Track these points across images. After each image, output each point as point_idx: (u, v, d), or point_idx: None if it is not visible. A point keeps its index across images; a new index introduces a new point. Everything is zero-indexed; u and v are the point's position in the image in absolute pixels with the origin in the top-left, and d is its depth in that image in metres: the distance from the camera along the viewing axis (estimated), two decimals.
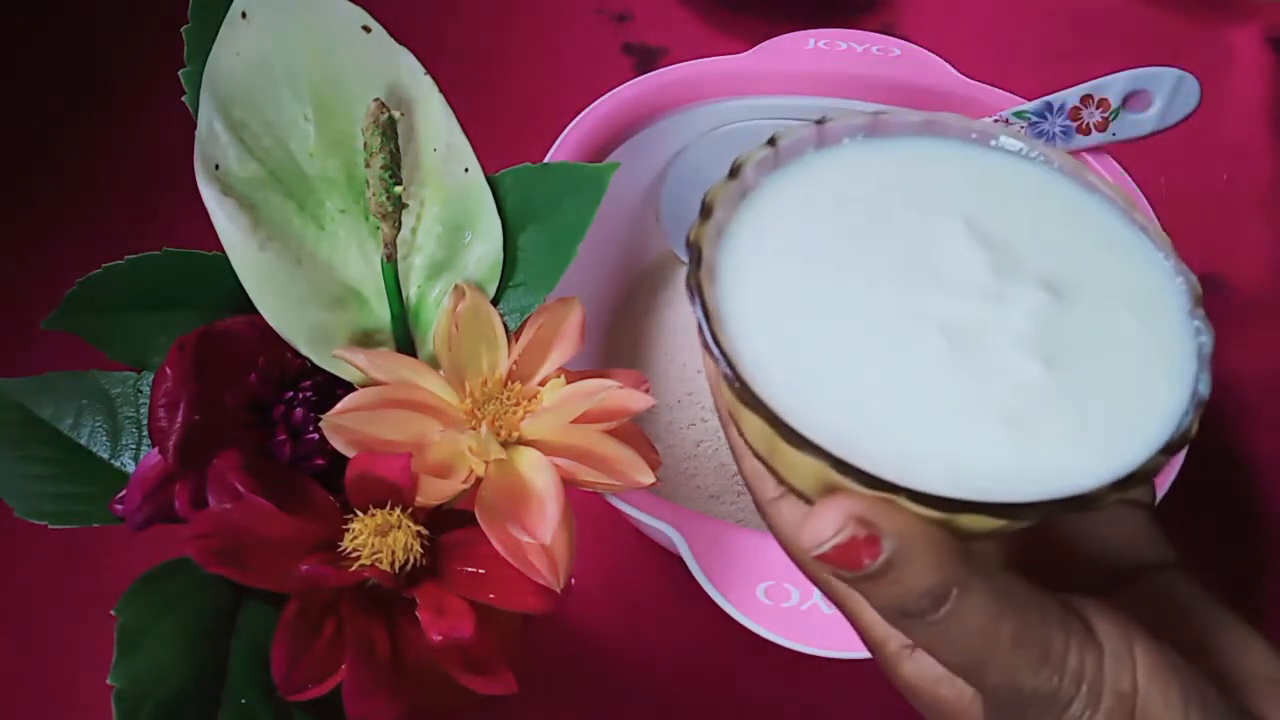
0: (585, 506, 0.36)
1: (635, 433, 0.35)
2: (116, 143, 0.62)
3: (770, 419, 0.22)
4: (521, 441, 0.34)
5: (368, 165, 0.34)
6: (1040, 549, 0.27)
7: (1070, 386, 0.23)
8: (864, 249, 0.25)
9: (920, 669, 0.26)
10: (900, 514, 0.22)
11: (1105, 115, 0.49)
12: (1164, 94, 0.48)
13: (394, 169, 0.35)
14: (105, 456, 0.36)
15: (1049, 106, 0.49)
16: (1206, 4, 0.71)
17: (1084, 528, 0.28)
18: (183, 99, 0.36)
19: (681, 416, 0.51)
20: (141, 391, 0.36)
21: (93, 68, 0.66)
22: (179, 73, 0.36)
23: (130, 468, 0.36)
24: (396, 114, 0.35)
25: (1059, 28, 0.67)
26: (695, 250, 0.24)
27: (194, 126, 0.35)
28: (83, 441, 0.36)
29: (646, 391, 0.34)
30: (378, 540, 0.32)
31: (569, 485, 0.33)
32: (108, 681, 0.30)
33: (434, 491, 0.32)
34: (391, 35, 0.37)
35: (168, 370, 0.33)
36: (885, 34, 0.54)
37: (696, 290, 0.23)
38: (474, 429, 0.33)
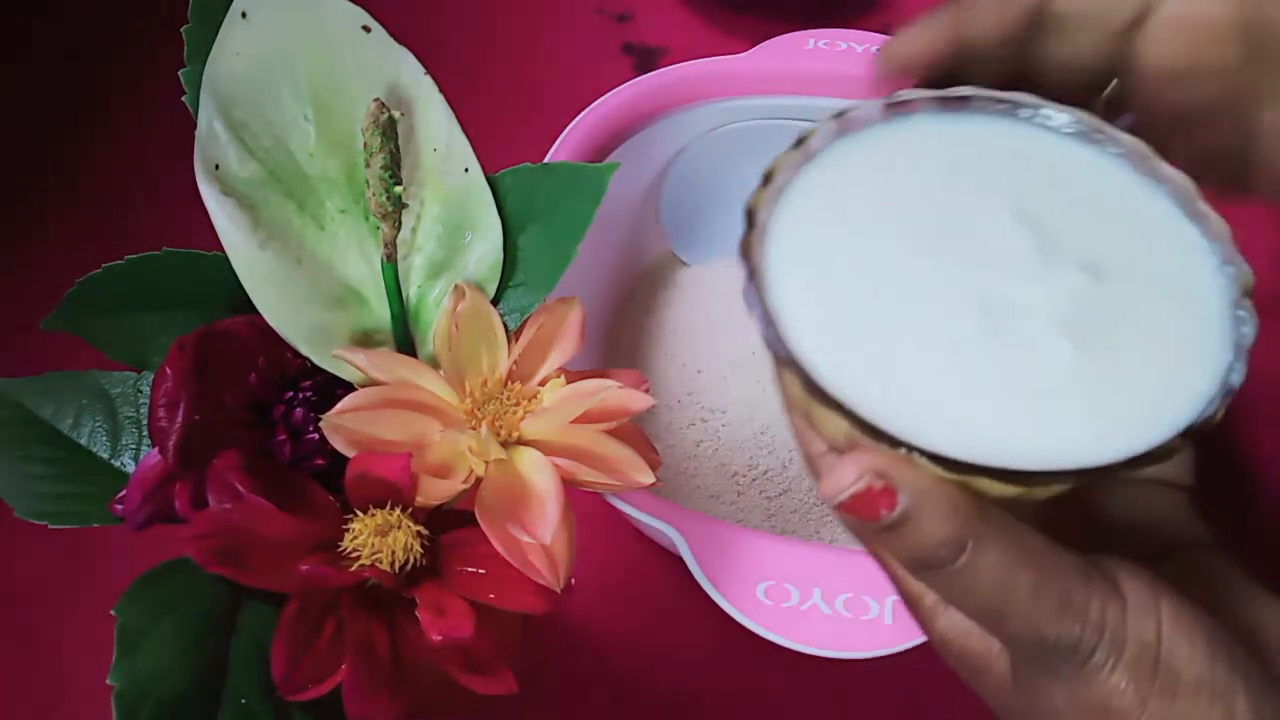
0: (585, 506, 0.36)
1: (635, 433, 0.35)
2: (116, 143, 0.62)
3: (802, 377, 0.23)
4: (521, 441, 0.34)
5: (368, 165, 0.34)
6: (1078, 525, 0.28)
7: (1097, 367, 0.23)
8: (912, 222, 0.25)
9: (952, 623, 0.27)
10: (918, 471, 0.23)
11: None
12: None
13: (394, 169, 0.35)
14: (105, 456, 0.36)
15: None
16: None
17: (1122, 506, 0.28)
18: (183, 99, 0.36)
19: (681, 416, 0.51)
20: (141, 391, 0.36)
21: (93, 68, 0.66)
22: (179, 73, 0.36)
23: (130, 468, 0.36)
24: (396, 114, 0.35)
25: None
26: (750, 214, 0.25)
27: (194, 126, 0.35)
28: (83, 441, 0.36)
29: (646, 391, 0.34)
30: (378, 540, 0.32)
31: (569, 485, 0.33)
32: (108, 681, 0.30)
33: (434, 491, 0.32)
34: (391, 35, 0.37)
35: (168, 370, 0.33)
36: (885, 34, 0.54)
37: (746, 252, 0.24)
38: (474, 429, 0.33)
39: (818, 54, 0.53)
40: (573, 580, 0.32)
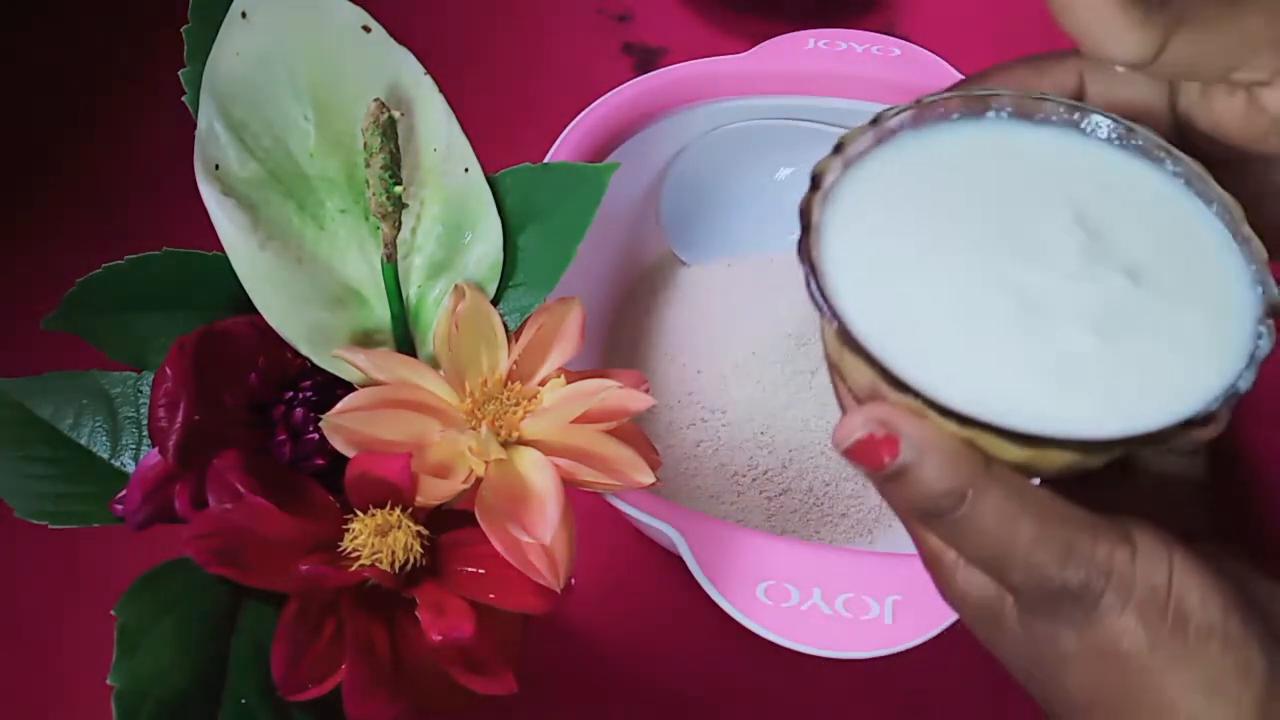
0: (585, 506, 0.36)
1: (635, 433, 0.35)
2: (116, 143, 0.62)
3: (837, 326, 0.25)
4: (521, 441, 0.34)
5: (368, 165, 0.34)
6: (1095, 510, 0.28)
7: (1117, 359, 0.25)
8: (960, 219, 0.27)
9: (968, 579, 0.27)
10: (923, 423, 0.24)
11: None
12: None
13: (394, 169, 0.35)
14: (105, 456, 0.36)
15: None
16: None
17: (1135, 493, 0.28)
18: (183, 99, 0.36)
19: (681, 416, 0.51)
20: (141, 391, 0.36)
21: (93, 68, 0.66)
22: (179, 73, 0.36)
23: (130, 468, 0.36)
24: (396, 114, 0.35)
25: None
26: (816, 177, 0.27)
27: (194, 126, 0.35)
28: (83, 441, 0.36)
29: (646, 391, 0.34)
30: (378, 540, 0.32)
31: (569, 485, 0.33)
32: (108, 681, 0.30)
33: (434, 491, 0.32)
34: (391, 35, 0.37)
35: (168, 370, 0.33)
36: (885, 34, 0.54)
37: (806, 210, 0.26)
38: (474, 429, 0.33)
39: (818, 54, 0.53)
40: (573, 580, 0.32)
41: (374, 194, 0.35)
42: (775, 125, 0.53)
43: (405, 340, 0.37)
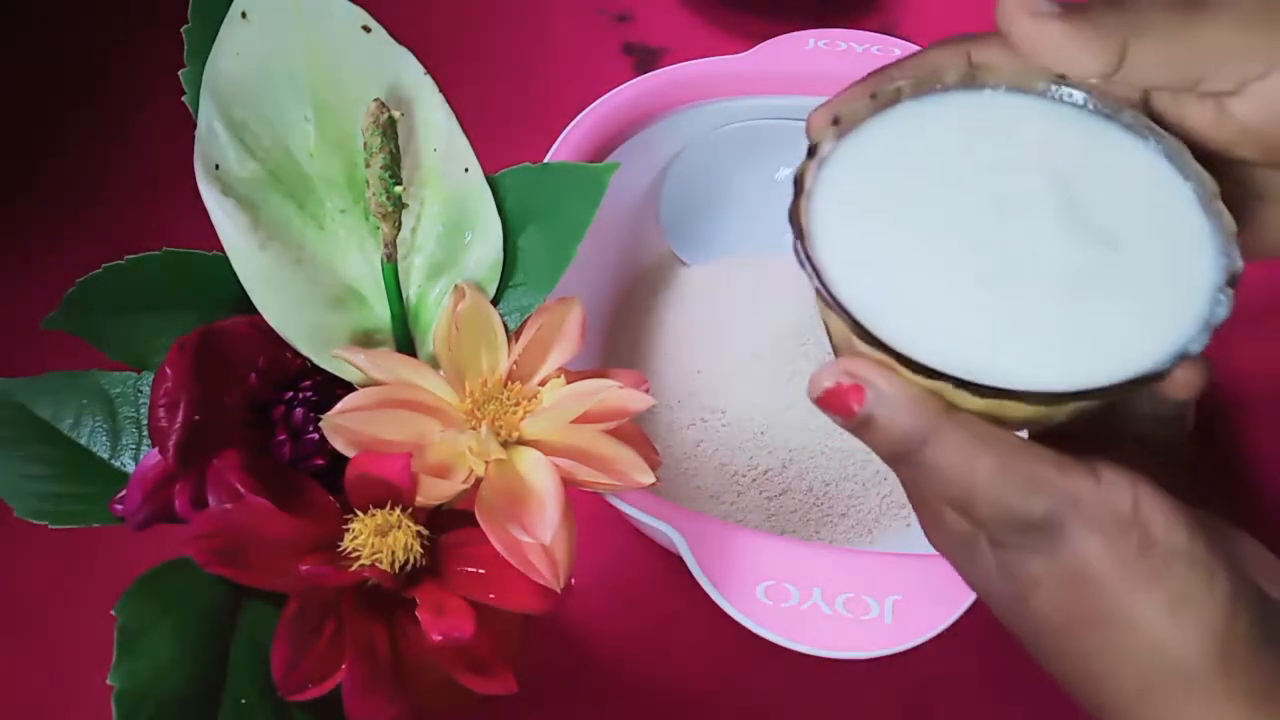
0: (585, 506, 0.36)
1: (635, 433, 0.35)
2: (116, 143, 0.62)
3: (815, 283, 0.26)
4: (521, 441, 0.34)
5: (368, 165, 0.34)
6: None
7: (1081, 319, 0.26)
8: (944, 185, 0.28)
9: (947, 518, 0.29)
10: (888, 373, 0.26)
11: None
12: None
13: (394, 169, 0.35)
14: (105, 456, 0.36)
15: None
16: None
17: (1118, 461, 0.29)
18: (183, 99, 0.36)
19: (681, 416, 0.51)
20: (141, 391, 0.36)
21: (93, 68, 0.66)
22: (179, 73, 0.36)
23: (130, 468, 0.36)
24: (396, 114, 0.35)
25: None
26: (798, 181, 0.28)
27: (194, 126, 0.35)
28: (83, 441, 0.36)
29: (646, 391, 0.34)
30: (378, 540, 0.32)
31: (569, 485, 0.33)
32: (108, 681, 0.30)
33: (434, 491, 0.32)
34: (391, 35, 0.37)
35: (168, 370, 0.33)
36: (885, 34, 0.54)
37: (799, 179, 0.28)
38: (474, 429, 0.33)
39: (818, 54, 0.53)
40: (573, 580, 0.32)
41: (374, 194, 0.35)
42: (775, 125, 0.53)
43: (405, 340, 0.37)
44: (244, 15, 0.36)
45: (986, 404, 0.26)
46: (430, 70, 0.37)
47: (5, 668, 0.47)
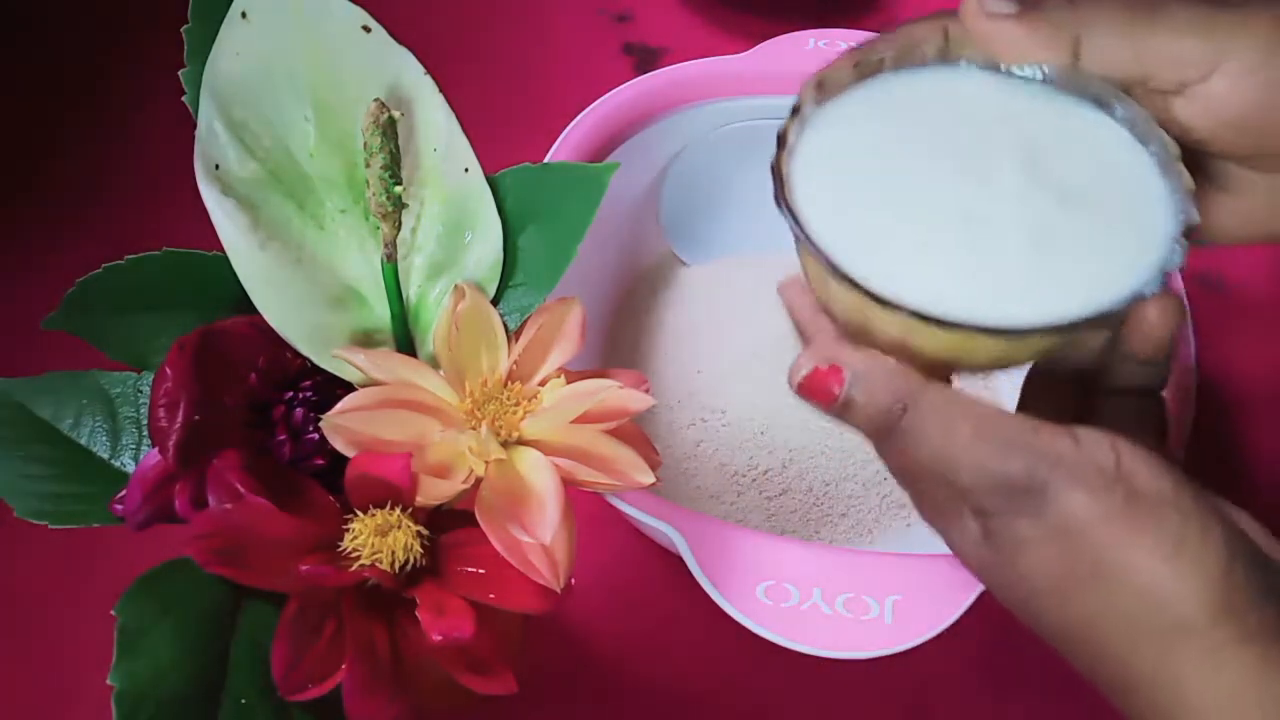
0: (585, 506, 0.36)
1: (635, 433, 0.35)
2: (116, 143, 0.62)
3: (791, 225, 0.28)
4: (521, 441, 0.34)
5: (368, 165, 0.35)
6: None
7: (1039, 264, 0.28)
8: (919, 146, 0.30)
9: (938, 492, 0.29)
10: (864, 353, 0.28)
11: None
12: None
13: (394, 169, 0.35)
14: (105, 456, 0.36)
15: None
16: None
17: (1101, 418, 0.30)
18: (183, 99, 0.36)
19: (681, 416, 0.51)
20: (141, 391, 0.36)
21: (93, 68, 0.66)
22: (179, 73, 0.36)
23: (130, 468, 0.36)
24: (396, 114, 0.35)
25: None
26: (780, 138, 0.30)
27: (194, 126, 0.35)
28: (83, 441, 0.36)
29: (646, 391, 0.34)
30: (378, 540, 0.32)
31: (569, 485, 0.33)
32: (108, 681, 0.30)
33: (434, 491, 0.32)
34: (391, 35, 0.37)
35: (168, 370, 0.33)
36: None
37: (782, 135, 0.30)
38: (474, 429, 0.33)
39: (818, 54, 0.53)
40: (573, 580, 0.32)
41: (374, 194, 0.35)
42: (775, 125, 0.53)
43: (405, 340, 0.37)
44: (244, 15, 0.36)
45: (952, 340, 0.27)
46: (430, 70, 0.37)
47: (5, 668, 0.47)
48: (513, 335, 0.36)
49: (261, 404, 0.35)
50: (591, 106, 0.50)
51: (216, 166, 0.35)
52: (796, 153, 0.30)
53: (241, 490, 0.32)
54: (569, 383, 0.34)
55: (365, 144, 0.34)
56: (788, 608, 0.37)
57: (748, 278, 0.55)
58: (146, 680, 0.31)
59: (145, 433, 0.36)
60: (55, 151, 0.62)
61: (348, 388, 0.34)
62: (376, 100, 0.34)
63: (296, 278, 0.35)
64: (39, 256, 0.57)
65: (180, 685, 0.31)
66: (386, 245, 0.35)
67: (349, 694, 0.31)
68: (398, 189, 0.35)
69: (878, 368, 0.27)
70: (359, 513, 0.33)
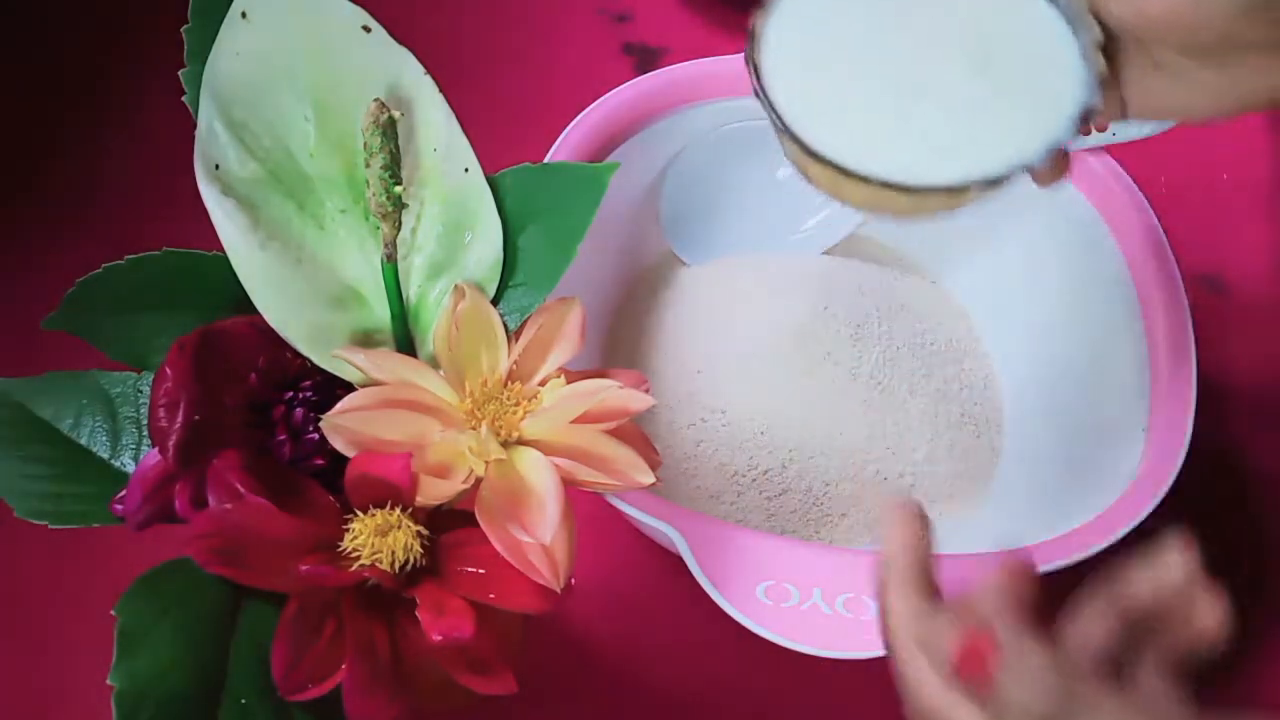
0: (585, 506, 0.36)
1: (635, 433, 0.35)
2: (116, 143, 0.62)
3: (754, 84, 0.34)
4: (521, 441, 0.34)
5: (368, 165, 0.35)
6: None
7: (954, 135, 0.33)
8: (873, 28, 0.35)
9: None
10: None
11: None
12: None
13: (394, 169, 0.35)
14: (105, 456, 0.36)
15: None
16: None
17: None
18: (183, 99, 0.36)
19: (681, 416, 0.51)
20: (141, 391, 0.36)
21: (93, 68, 0.66)
22: (179, 73, 0.36)
23: (130, 468, 0.36)
24: (396, 114, 0.35)
25: None
26: (751, 32, 0.35)
27: (194, 126, 0.35)
28: (83, 441, 0.36)
29: (646, 391, 0.34)
30: (378, 540, 0.32)
31: (569, 485, 0.33)
32: (108, 681, 0.30)
33: (434, 491, 0.32)
34: (391, 35, 0.37)
35: (168, 370, 0.33)
36: None
37: (753, 30, 0.35)
38: (474, 429, 0.33)
39: None
40: (573, 580, 0.32)
41: (374, 194, 0.35)
42: None
43: (405, 340, 0.37)
44: (244, 15, 0.36)
45: (870, 192, 0.33)
46: (430, 70, 0.37)
47: (5, 668, 0.47)
48: (513, 335, 0.36)
49: (261, 404, 0.35)
50: (591, 106, 0.50)
51: (216, 166, 0.35)
52: (764, 39, 0.35)
53: (241, 490, 0.32)
54: (569, 383, 0.34)
55: (365, 144, 0.34)
56: (788, 608, 0.37)
57: (748, 278, 0.55)
58: (146, 680, 0.31)
59: (145, 433, 0.36)
60: (55, 151, 0.62)
61: (348, 388, 0.34)
62: (376, 100, 0.34)
63: (296, 278, 0.35)
64: (39, 256, 0.57)
65: (180, 685, 0.31)
66: (386, 245, 0.35)
67: (349, 694, 0.31)
68: (398, 189, 0.35)
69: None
70: (359, 513, 0.33)
